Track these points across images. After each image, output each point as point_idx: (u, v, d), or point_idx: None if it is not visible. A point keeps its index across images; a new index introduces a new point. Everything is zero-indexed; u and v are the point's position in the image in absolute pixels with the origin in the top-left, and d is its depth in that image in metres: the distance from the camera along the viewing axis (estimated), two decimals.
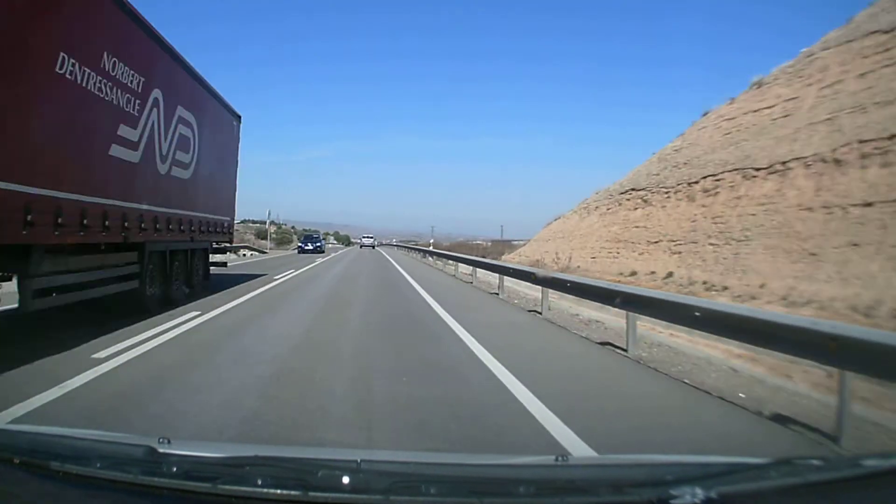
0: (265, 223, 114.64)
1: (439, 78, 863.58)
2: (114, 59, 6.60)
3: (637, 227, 22.83)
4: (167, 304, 9.03)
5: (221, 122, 11.13)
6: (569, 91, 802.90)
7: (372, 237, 65.46)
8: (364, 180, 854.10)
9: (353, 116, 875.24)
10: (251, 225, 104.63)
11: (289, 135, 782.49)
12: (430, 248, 41.04)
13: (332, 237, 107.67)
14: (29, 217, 5.25)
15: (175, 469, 1.34)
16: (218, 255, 13.78)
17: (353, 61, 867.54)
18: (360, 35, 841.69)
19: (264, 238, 77.21)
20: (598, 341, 7.49)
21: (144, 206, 7.76)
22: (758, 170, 16.79)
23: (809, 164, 14.77)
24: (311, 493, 1.24)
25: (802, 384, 5.52)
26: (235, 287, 12.74)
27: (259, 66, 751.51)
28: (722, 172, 18.61)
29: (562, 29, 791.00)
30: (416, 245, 60.24)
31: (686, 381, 5.45)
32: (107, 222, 6.70)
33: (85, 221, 6.20)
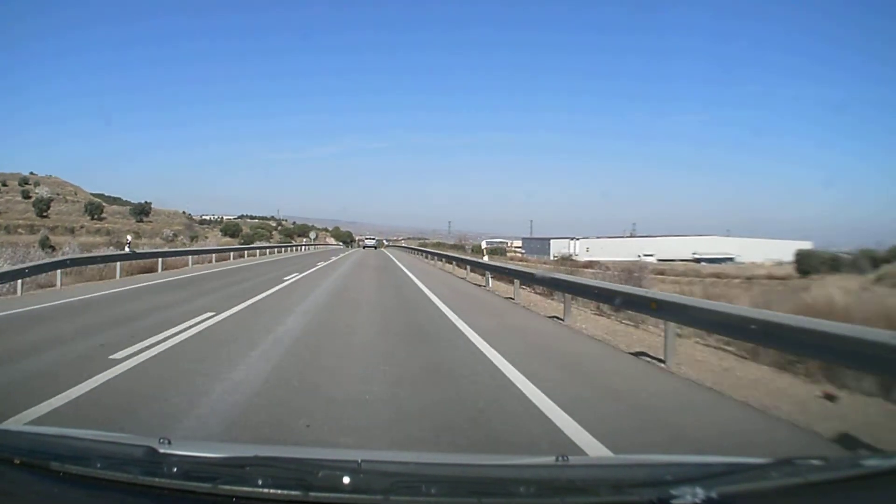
0: (268, 219, 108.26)
1: (448, 72, 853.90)
2: None
3: None
4: None
5: None
6: (588, 85, 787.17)
7: (374, 238, 74.77)
8: (372, 177, 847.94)
9: (361, 111, 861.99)
10: (249, 221, 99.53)
11: (294, 132, 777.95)
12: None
13: (313, 233, 78.53)
14: None
15: (175, 469, 1.34)
16: None
17: (359, 56, 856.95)
18: (364, 29, 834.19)
19: (234, 236, 66.14)
20: None
21: None
22: None
23: None
24: (312, 494, 1.24)
25: None
26: None
27: (264, 61, 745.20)
28: None
29: (564, 22, 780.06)
30: (439, 250, 39.22)
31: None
32: None
33: None
